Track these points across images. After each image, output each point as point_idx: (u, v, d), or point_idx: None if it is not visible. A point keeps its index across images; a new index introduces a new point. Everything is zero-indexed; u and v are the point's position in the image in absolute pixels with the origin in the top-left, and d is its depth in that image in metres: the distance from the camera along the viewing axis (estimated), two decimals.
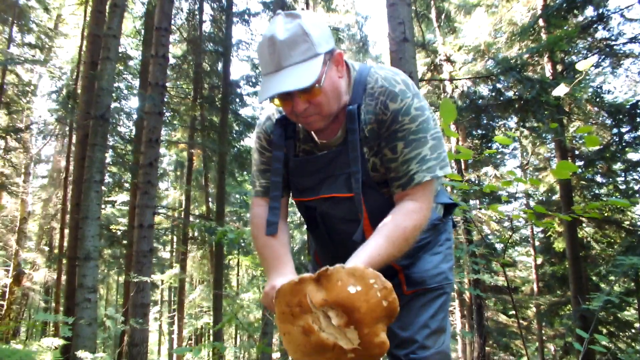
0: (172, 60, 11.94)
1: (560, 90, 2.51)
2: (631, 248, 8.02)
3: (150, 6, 9.07)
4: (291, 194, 1.49)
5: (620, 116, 8.30)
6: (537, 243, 14.53)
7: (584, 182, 10.67)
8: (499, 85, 8.19)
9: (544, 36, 8.70)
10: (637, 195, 9.53)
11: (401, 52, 3.67)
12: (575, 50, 9.36)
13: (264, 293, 1.26)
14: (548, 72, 9.29)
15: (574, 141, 10.30)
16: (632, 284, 9.37)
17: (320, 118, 1.24)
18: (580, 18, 8.95)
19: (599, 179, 10.75)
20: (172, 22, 8.92)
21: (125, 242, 11.13)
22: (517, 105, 7.55)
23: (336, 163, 1.33)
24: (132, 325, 5.93)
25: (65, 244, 10.90)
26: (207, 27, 12.55)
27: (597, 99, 9.13)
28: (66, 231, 10.98)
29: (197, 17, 11.96)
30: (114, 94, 8.06)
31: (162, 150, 14.31)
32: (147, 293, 6.29)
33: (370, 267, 1.12)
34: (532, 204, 13.94)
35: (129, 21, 13.29)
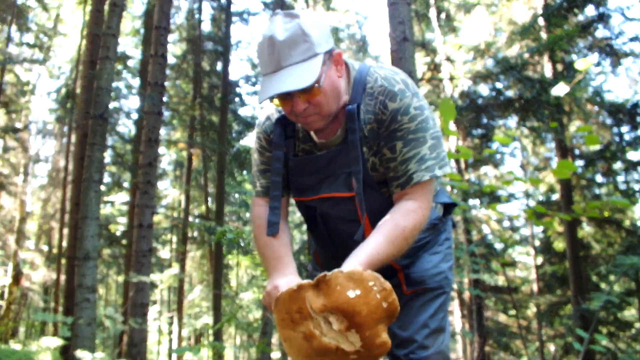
0: (171, 60, 11.95)
1: (560, 89, 2.51)
2: (631, 248, 8.02)
3: (150, 5, 9.07)
4: (291, 193, 1.48)
5: (621, 115, 8.30)
6: (537, 243, 14.53)
7: (584, 182, 10.67)
8: (499, 85, 8.18)
9: (544, 35, 8.69)
10: (638, 195, 9.53)
11: (401, 51, 3.66)
12: (576, 50, 9.36)
13: (265, 292, 1.26)
14: (548, 72, 9.29)
15: (574, 141, 10.29)
16: (632, 283, 9.37)
17: (320, 118, 1.24)
18: (581, 17, 8.94)
19: (599, 178, 10.73)
20: (172, 21, 8.92)
21: (124, 241, 11.14)
22: (517, 105, 7.54)
23: (336, 163, 1.33)
24: (131, 325, 5.93)
25: (65, 243, 10.91)
26: (206, 26, 12.57)
27: (598, 99, 9.12)
28: (65, 231, 10.98)
29: (197, 16, 11.97)
30: (113, 94, 8.07)
31: (162, 149, 14.31)
32: (146, 293, 6.28)
33: (369, 266, 1.12)
34: (532, 203, 13.94)
35: (128, 20, 13.30)
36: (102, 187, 6.64)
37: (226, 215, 14.19)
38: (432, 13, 11.32)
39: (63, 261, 10.72)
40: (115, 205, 14.66)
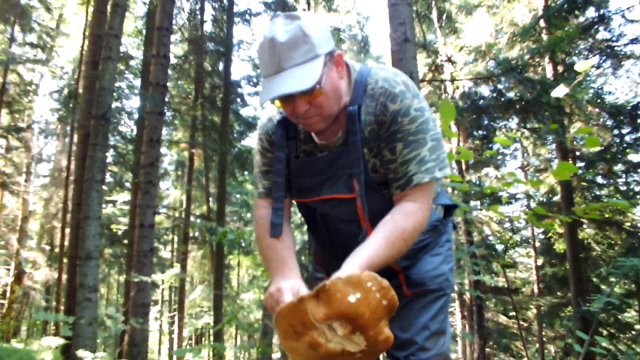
0: (173, 60, 11.96)
1: (560, 91, 2.52)
2: (632, 249, 8.02)
3: (152, 6, 9.09)
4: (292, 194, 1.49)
5: (621, 117, 8.30)
6: (537, 244, 14.51)
7: (584, 184, 10.66)
8: (499, 86, 8.18)
9: (545, 37, 8.69)
10: (638, 196, 9.52)
11: (402, 52, 3.67)
12: (576, 51, 9.36)
13: (268, 294, 1.25)
14: (549, 73, 9.29)
15: (574, 142, 10.29)
16: (633, 285, 9.35)
17: (321, 119, 1.24)
18: (582, 19, 8.93)
19: (599, 180, 10.73)
20: (174, 21, 8.92)
21: (126, 241, 11.15)
22: (518, 106, 7.54)
23: (337, 164, 1.33)
24: (132, 325, 5.93)
25: (66, 243, 10.92)
26: (208, 27, 12.58)
27: (598, 100, 9.12)
28: (67, 230, 11.00)
29: (199, 17, 11.98)
30: (115, 94, 8.09)
31: (163, 150, 14.34)
32: (147, 293, 6.29)
33: (369, 268, 1.13)
34: (532, 205, 13.93)
35: (130, 21, 13.33)
36: (104, 187, 6.65)
37: (227, 215, 14.21)
38: (434, 14, 11.33)
39: (65, 260, 10.74)
40: (116, 205, 14.68)
